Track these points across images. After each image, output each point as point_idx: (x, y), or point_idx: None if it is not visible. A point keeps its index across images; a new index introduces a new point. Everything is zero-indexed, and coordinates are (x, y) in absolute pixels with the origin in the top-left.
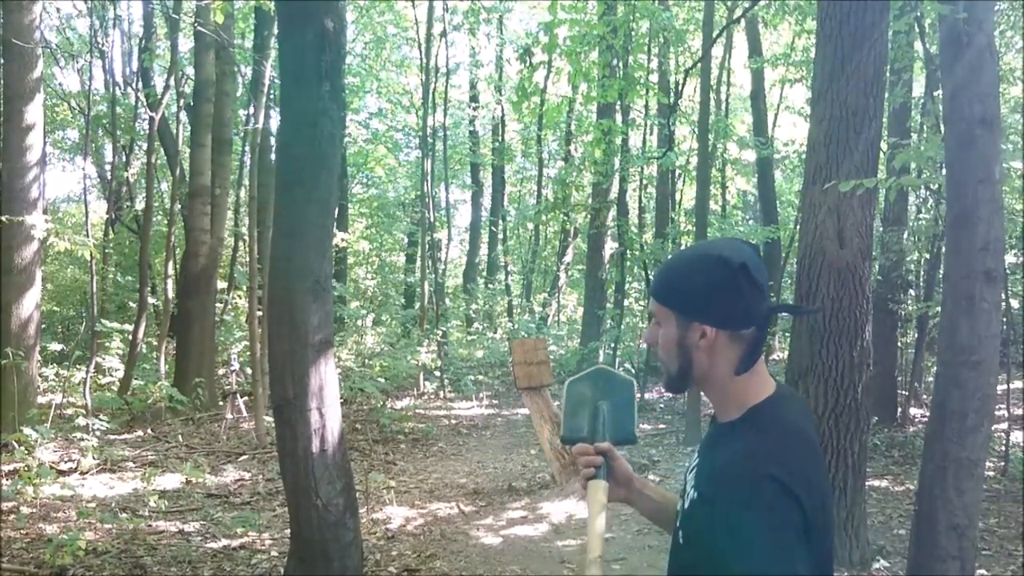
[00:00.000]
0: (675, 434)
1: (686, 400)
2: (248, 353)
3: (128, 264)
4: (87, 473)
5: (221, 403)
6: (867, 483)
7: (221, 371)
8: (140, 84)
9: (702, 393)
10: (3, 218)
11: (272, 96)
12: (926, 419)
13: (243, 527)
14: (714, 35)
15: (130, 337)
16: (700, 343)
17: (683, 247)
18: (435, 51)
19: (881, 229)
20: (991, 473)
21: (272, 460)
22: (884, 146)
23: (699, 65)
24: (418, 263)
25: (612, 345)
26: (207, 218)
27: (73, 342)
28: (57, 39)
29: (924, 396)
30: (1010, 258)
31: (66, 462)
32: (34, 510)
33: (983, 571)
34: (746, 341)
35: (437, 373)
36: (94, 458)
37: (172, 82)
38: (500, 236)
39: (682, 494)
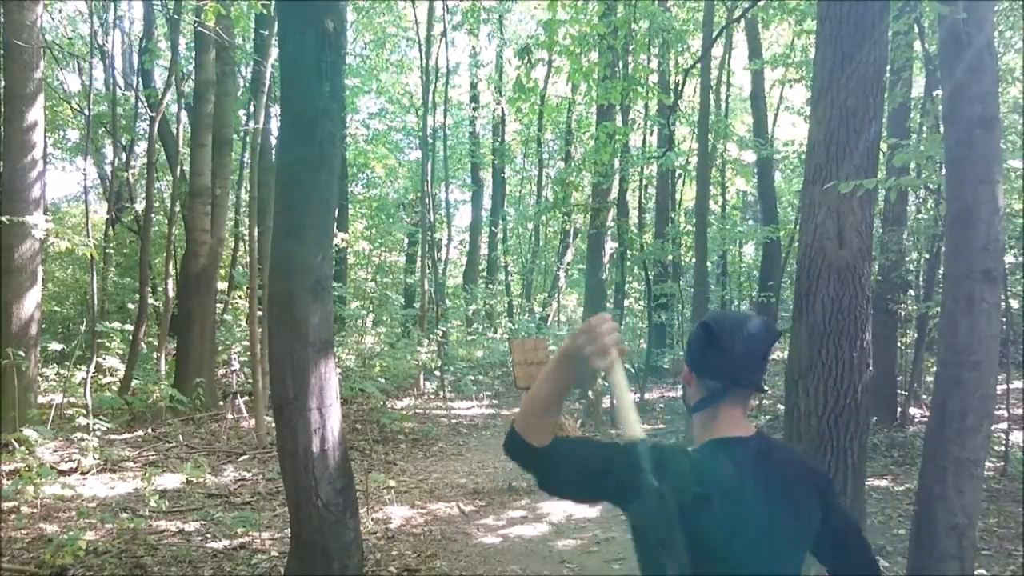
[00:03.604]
0: (675, 434)
1: (686, 400)
2: (248, 353)
3: (128, 264)
4: (87, 473)
5: (221, 403)
6: (867, 483)
7: (221, 371)
8: (140, 84)
9: None
10: (3, 218)
11: (272, 96)
12: (926, 419)
13: (243, 527)
14: (714, 35)
15: (130, 337)
16: (684, 376)
17: (682, 248)
18: (435, 51)
19: (881, 229)
20: (991, 473)
21: (272, 460)
22: (884, 146)
23: (699, 65)
24: (418, 263)
25: None
26: (207, 218)
27: (73, 342)
28: (58, 39)
29: (924, 396)
30: (1010, 258)
31: (66, 462)
32: (35, 510)
33: (983, 571)
34: (707, 389)
35: (437, 373)
36: (94, 458)
37: (172, 82)
38: (500, 236)
39: None
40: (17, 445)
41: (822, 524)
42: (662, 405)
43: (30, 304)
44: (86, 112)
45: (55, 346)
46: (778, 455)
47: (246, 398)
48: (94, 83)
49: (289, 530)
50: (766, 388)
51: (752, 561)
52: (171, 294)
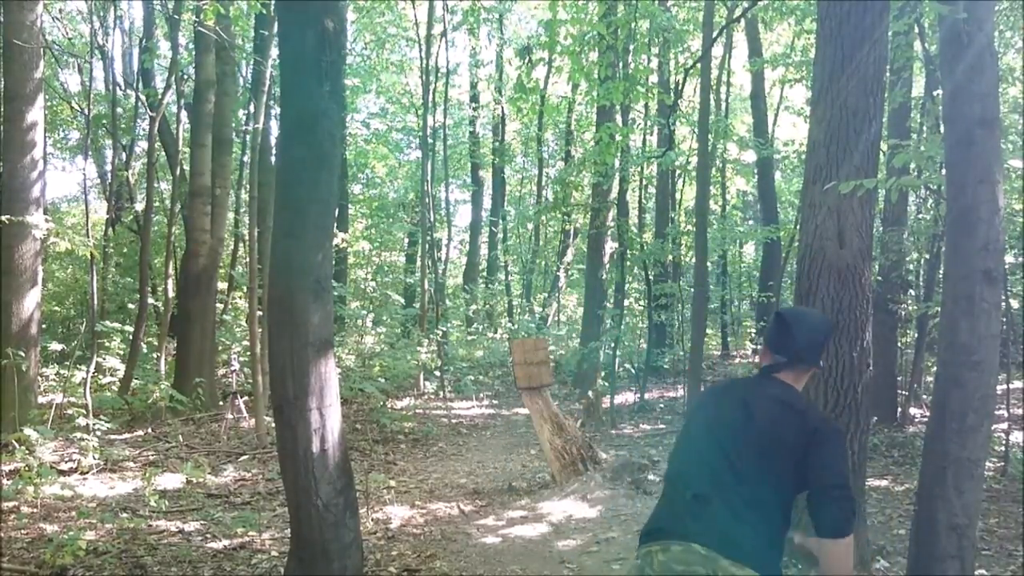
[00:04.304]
0: (676, 434)
1: (686, 400)
2: (248, 353)
3: (128, 264)
4: (87, 473)
5: (221, 403)
6: (867, 483)
7: (221, 371)
8: (140, 84)
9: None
10: (3, 218)
11: (272, 96)
12: (926, 419)
13: (243, 527)
14: (714, 35)
15: (130, 337)
16: (761, 353)
17: (682, 248)
18: (435, 51)
19: (881, 229)
20: (991, 473)
21: (272, 460)
22: (884, 146)
23: (699, 65)
24: (418, 263)
25: (612, 345)
26: (207, 218)
27: (73, 342)
28: (58, 39)
29: (924, 396)
30: (1010, 258)
31: (66, 462)
32: (35, 510)
33: (983, 571)
34: (774, 360)
35: (437, 373)
36: (94, 458)
37: (172, 82)
38: (500, 236)
39: None
40: (17, 445)
41: (805, 460)
42: (662, 405)
43: (30, 304)
44: (86, 112)
45: (55, 346)
46: (780, 389)
47: (246, 398)
48: (94, 83)
49: (289, 530)
50: (822, 364)
51: (709, 454)
52: (171, 294)
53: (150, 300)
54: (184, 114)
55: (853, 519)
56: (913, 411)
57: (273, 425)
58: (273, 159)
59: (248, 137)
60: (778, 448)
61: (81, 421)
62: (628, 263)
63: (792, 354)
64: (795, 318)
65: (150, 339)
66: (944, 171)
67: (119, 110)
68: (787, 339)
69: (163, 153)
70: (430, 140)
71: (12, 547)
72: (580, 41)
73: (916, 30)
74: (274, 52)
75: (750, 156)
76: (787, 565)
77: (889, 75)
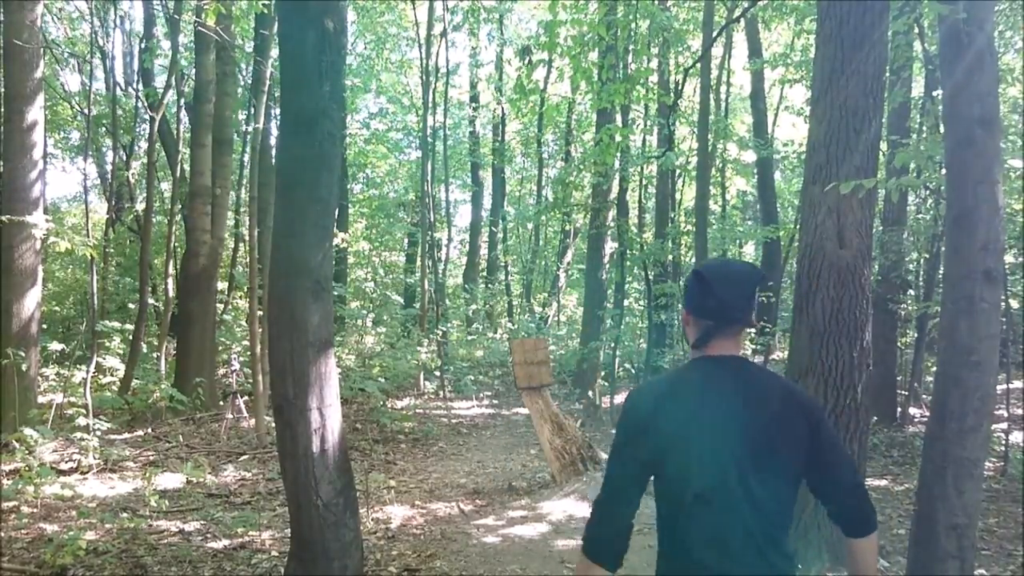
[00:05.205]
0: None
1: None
2: (248, 353)
3: (128, 264)
4: (87, 473)
5: (221, 403)
6: (867, 483)
7: (221, 371)
8: (141, 84)
9: None
10: (4, 218)
11: (272, 96)
12: (926, 419)
13: (243, 527)
14: (714, 35)
15: (130, 337)
16: (683, 318)
17: (682, 248)
18: (435, 51)
19: (881, 229)
20: (991, 473)
21: (272, 460)
22: (884, 146)
23: (699, 65)
24: (418, 263)
25: (612, 345)
26: (207, 218)
27: (73, 342)
28: (58, 39)
29: (924, 396)
30: (1010, 258)
31: (66, 462)
32: (35, 510)
33: (983, 571)
34: (703, 328)
35: (437, 373)
36: (94, 458)
37: (172, 82)
38: (500, 236)
39: None
40: (17, 445)
41: (814, 451)
42: None
43: (30, 304)
44: (86, 112)
45: (55, 346)
46: (756, 372)
47: (246, 398)
48: (94, 83)
49: (289, 530)
50: (755, 324)
51: (716, 452)
52: (171, 294)
53: (150, 300)
54: (184, 114)
55: (874, 509)
56: (913, 411)
57: (273, 425)
58: (273, 159)
59: (248, 137)
60: (789, 445)
61: (81, 421)
62: (628, 263)
63: (719, 316)
64: (716, 274)
65: (150, 339)
66: (944, 171)
67: (119, 110)
68: (711, 299)
69: (163, 153)
70: (430, 140)
71: (12, 547)
72: (580, 42)
73: (916, 30)
74: (274, 52)
75: (750, 156)
76: None
77: (889, 75)
